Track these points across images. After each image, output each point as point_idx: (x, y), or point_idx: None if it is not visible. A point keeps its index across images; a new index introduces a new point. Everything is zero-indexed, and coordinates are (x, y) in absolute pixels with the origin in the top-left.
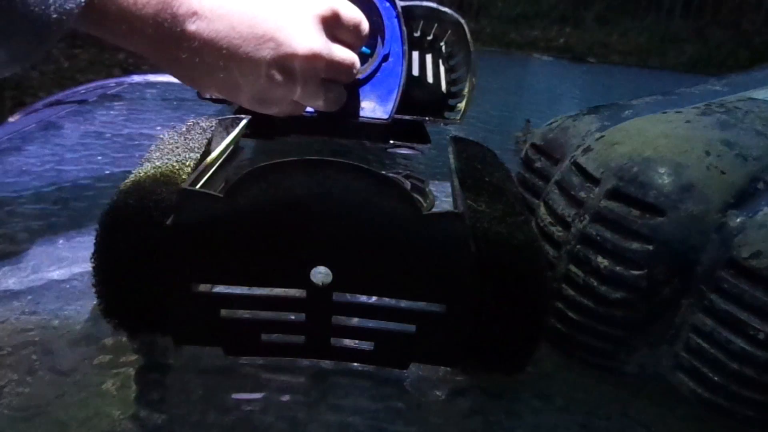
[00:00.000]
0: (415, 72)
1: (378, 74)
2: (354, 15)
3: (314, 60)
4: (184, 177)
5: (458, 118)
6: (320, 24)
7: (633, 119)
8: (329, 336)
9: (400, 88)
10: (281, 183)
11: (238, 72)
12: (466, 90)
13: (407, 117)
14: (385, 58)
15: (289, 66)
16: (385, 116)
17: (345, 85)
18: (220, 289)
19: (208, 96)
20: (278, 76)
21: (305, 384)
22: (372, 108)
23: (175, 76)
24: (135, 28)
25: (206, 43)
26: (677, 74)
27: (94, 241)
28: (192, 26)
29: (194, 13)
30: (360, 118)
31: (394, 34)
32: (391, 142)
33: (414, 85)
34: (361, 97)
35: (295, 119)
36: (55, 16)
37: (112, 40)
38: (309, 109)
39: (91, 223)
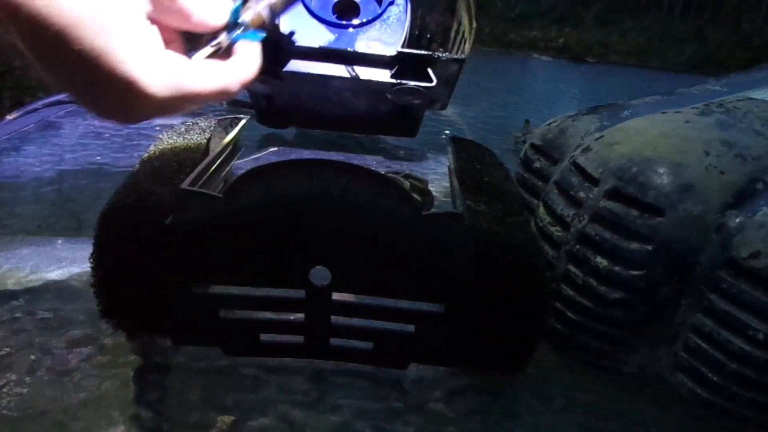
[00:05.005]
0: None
1: (384, 20)
2: None
3: None
4: (182, 177)
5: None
6: None
7: (632, 119)
8: (328, 336)
9: (406, 31)
10: (280, 183)
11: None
12: (466, 32)
13: (414, 51)
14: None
15: None
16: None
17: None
18: (219, 289)
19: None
20: None
21: (305, 384)
22: (379, 51)
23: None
24: None
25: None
26: (677, 74)
27: (92, 241)
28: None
29: None
30: (366, 56)
31: None
32: (397, 81)
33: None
34: (366, 41)
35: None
36: None
37: None
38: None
39: (90, 223)
